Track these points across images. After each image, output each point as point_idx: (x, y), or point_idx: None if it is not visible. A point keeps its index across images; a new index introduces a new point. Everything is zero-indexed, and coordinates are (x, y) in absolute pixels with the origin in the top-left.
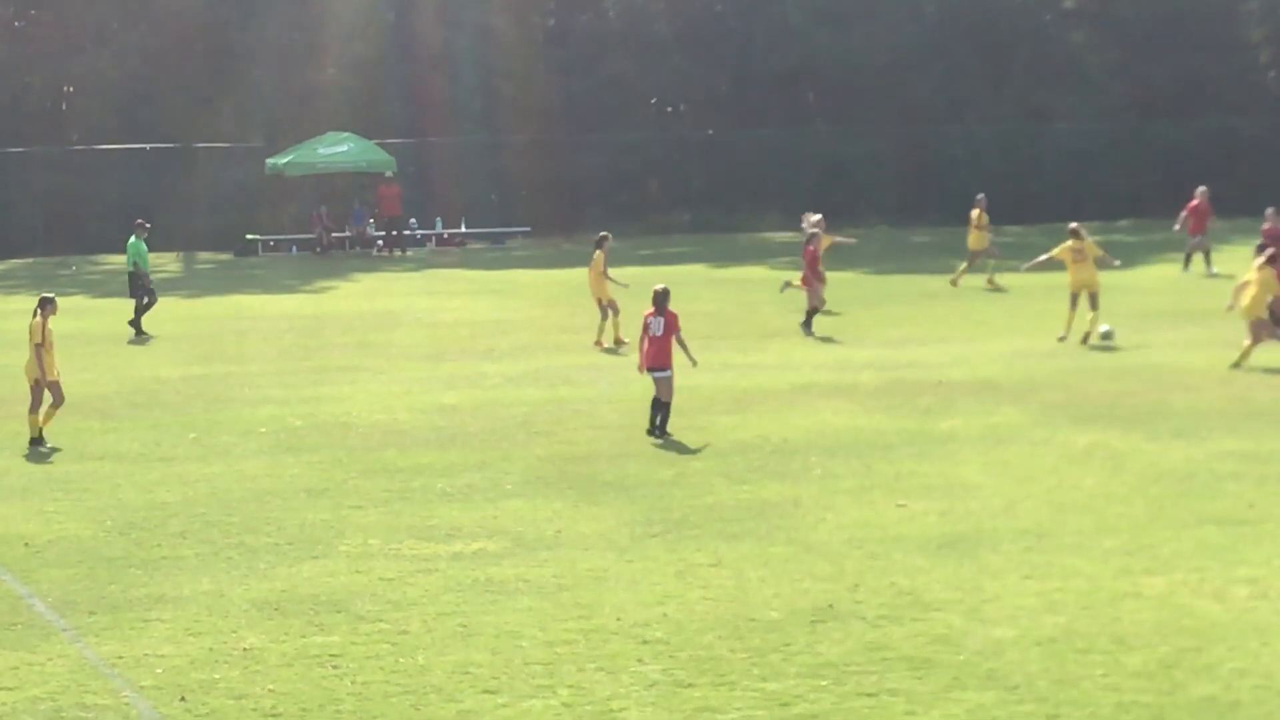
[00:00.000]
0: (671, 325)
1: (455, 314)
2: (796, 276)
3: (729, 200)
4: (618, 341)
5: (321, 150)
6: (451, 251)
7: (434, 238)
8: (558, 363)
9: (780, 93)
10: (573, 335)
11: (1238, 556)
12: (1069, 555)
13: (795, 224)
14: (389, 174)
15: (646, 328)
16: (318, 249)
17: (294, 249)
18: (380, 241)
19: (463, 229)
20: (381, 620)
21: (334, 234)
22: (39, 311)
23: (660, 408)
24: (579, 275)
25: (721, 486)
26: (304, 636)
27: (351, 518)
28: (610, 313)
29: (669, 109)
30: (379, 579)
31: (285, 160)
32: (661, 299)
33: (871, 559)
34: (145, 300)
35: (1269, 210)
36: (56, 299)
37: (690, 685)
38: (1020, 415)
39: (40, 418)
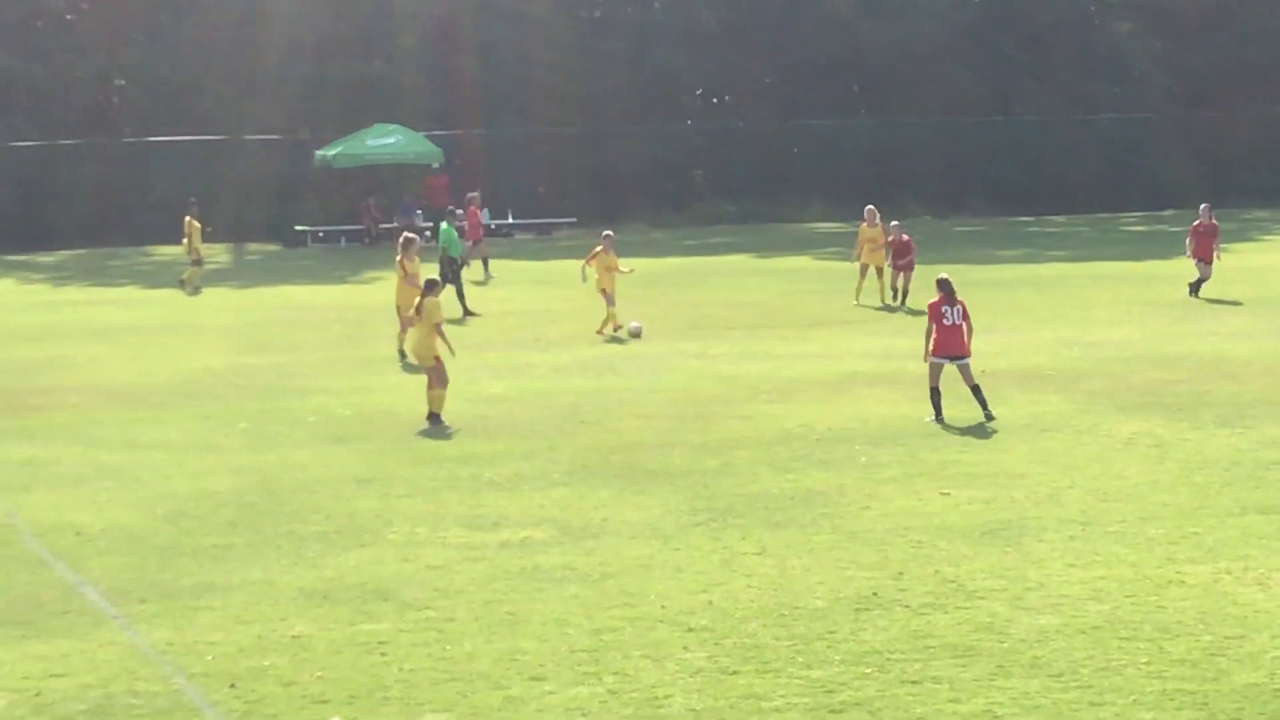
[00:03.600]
0: (966, 313)
1: (502, 304)
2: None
3: (773, 191)
4: (615, 327)
5: (370, 142)
6: (499, 242)
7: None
8: (604, 353)
9: (824, 83)
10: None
11: None
12: (1113, 543)
13: (838, 215)
14: (436, 165)
15: (942, 315)
16: (366, 240)
17: (343, 240)
18: (428, 232)
19: (510, 220)
20: (429, 608)
21: (382, 225)
22: (428, 293)
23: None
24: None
25: (766, 475)
26: (352, 624)
27: (399, 506)
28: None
29: (714, 100)
30: (426, 567)
31: (334, 152)
32: (946, 286)
33: (916, 547)
34: (448, 284)
35: None
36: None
37: (735, 672)
38: (1065, 404)
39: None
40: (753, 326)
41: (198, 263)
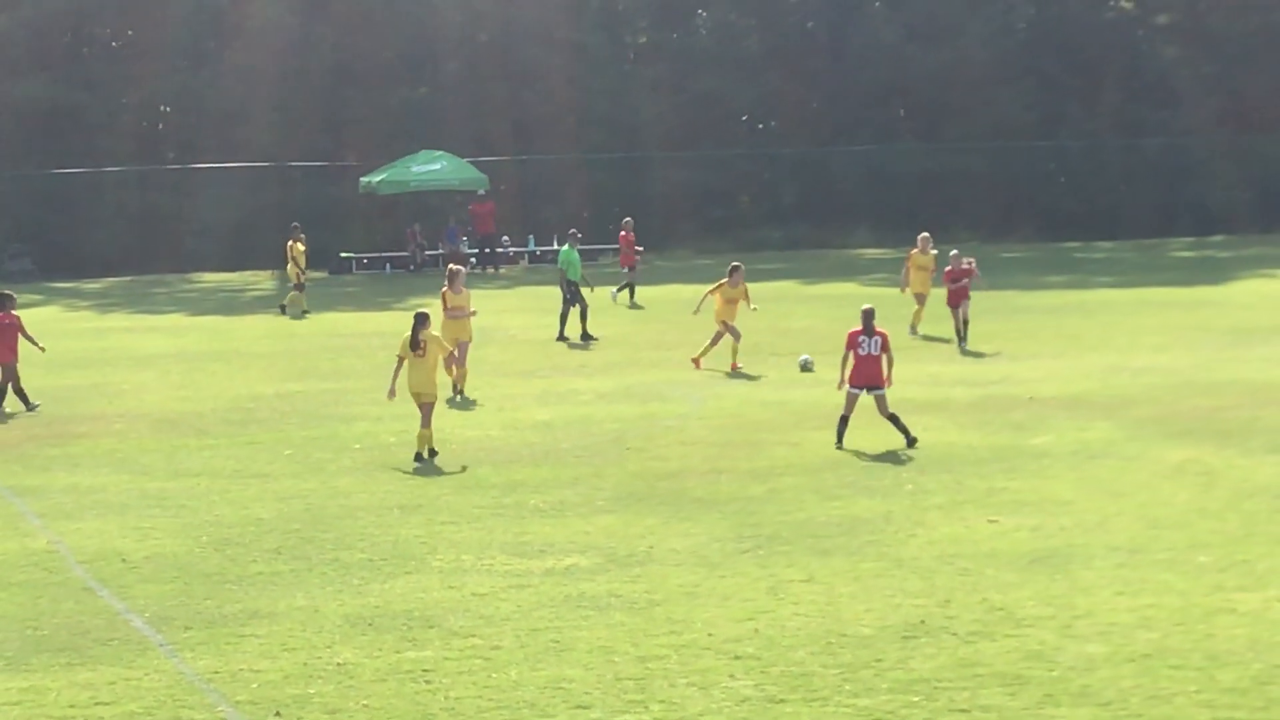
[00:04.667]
0: (886, 344)
1: (548, 331)
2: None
3: (819, 217)
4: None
5: (415, 168)
6: (544, 269)
7: (527, 255)
8: (649, 379)
9: (871, 109)
10: (664, 351)
11: None
12: (1162, 571)
13: (887, 240)
14: (482, 192)
15: (858, 345)
16: (411, 267)
17: (388, 267)
18: (474, 259)
19: (555, 246)
20: (474, 635)
21: (428, 252)
22: (422, 327)
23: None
24: (671, 292)
25: (813, 502)
26: (397, 652)
27: (444, 533)
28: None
29: (760, 125)
30: (471, 594)
31: (379, 178)
32: (871, 318)
33: (963, 575)
34: (576, 307)
35: None
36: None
37: (782, 701)
38: (1112, 431)
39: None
40: (800, 353)
41: (300, 287)
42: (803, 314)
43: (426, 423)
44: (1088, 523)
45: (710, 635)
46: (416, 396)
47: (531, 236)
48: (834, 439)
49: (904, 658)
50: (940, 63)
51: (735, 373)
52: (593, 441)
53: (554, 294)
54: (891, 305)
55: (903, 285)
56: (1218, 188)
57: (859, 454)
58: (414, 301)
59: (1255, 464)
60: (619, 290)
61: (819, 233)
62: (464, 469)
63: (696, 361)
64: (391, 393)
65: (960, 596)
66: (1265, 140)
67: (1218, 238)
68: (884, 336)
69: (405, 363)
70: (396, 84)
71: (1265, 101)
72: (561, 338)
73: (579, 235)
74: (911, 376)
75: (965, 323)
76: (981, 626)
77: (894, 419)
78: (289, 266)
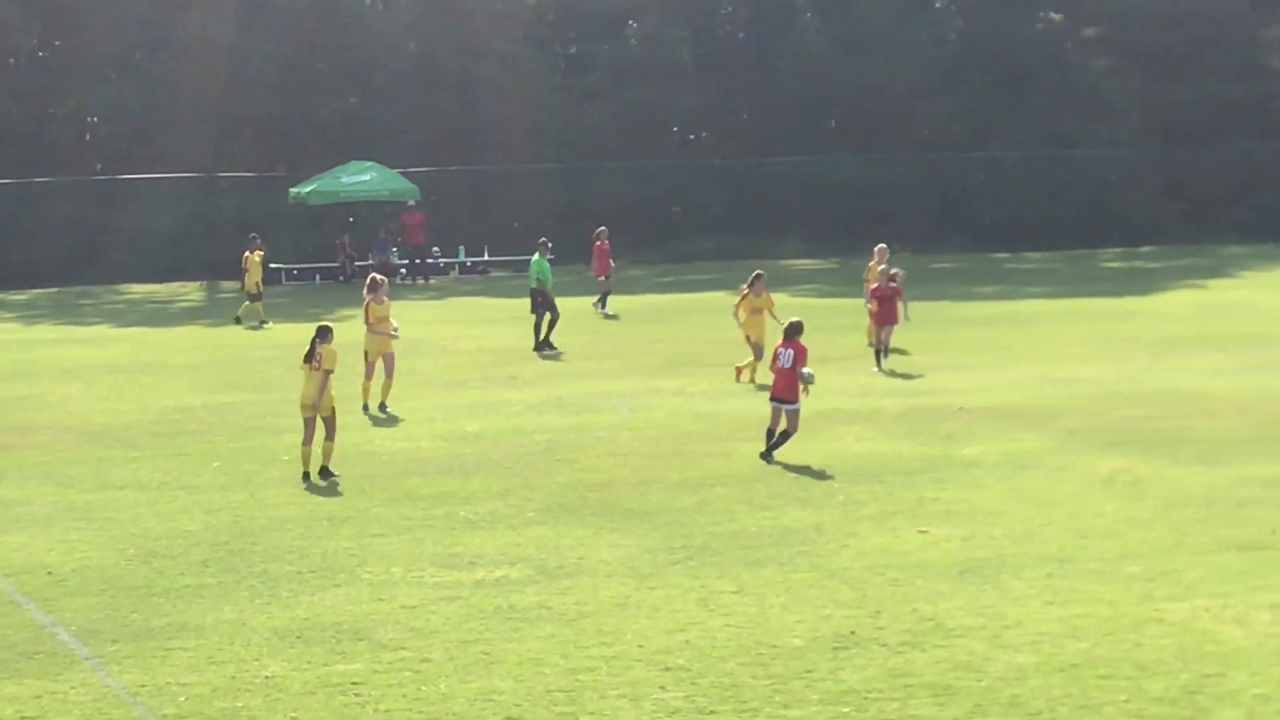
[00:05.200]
0: (800, 357)
1: (478, 342)
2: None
3: (751, 227)
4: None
5: (345, 179)
6: (474, 280)
7: (457, 266)
8: (580, 390)
9: (802, 120)
10: (596, 362)
11: (1260, 582)
12: (1091, 581)
13: (816, 251)
14: (412, 202)
15: (776, 358)
16: (341, 278)
17: (318, 278)
18: (404, 270)
19: (485, 257)
20: (403, 648)
21: (357, 263)
22: (321, 340)
23: (781, 436)
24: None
25: (744, 513)
26: (326, 665)
27: (374, 545)
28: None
29: (691, 136)
30: (401, 607)
31: (308, 189)
32: (794, 330)
33: (894, 585)
34: (549, 316)
35: None
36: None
37: (712, 713)
38: (1042, 441)
39: (324, 452)
40: (731, 364)
41: (256, 297)
42: (734, 325)
43: (308, 439)
44: (1017, 533)
45: (640, 647)
46: (303, 410)
47: (462, 247)
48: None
49: (834, 668)
50: (871, 74)
51: (738, 381)
52: (523, 453)
53: (482, 304)
54: (826, 315)
55: (867, 298)
56: (1147, 199)
57: (790, 465)
58: (344, 313)
59: (1184, 474)
60: (601, 303)
61: (750, 243)
62: (394, 481)
63: (739, 372)
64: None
65: (891, 607)
66: (1193, 152)
67: (1147, 249)
68: (798, 350)
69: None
70: (326, 95)
71: (1193, 113)
72: (539, 347)
73: (549, 244)
74: (842, 387)
75: (886, 346)
76: (911, 637)
77: (783, 436)
78: (245, 277)
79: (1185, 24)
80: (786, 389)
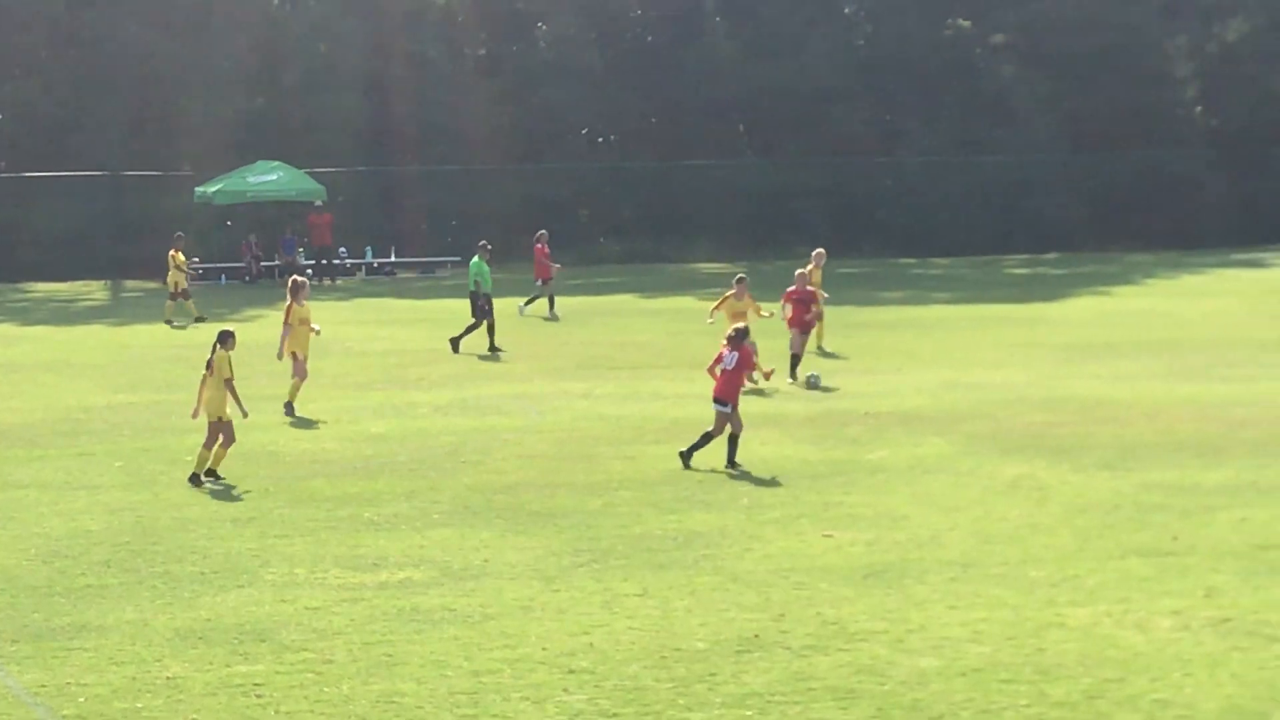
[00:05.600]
0: (746, 361)
1: (385, 343)
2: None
3: (659, 231)
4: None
5: (251, 179)
6: (382, 281)
7: (364, 267)
8: (487, 392)
9: (711, 124)
10: (503, 365)
11: (1162, 588)
12: (994, 586)
13: (724, 255)
14: (319, 203)
15: (719, 360)
16: (247, 278)
17: (224, 278)
18: (311, 271)
19: (393, 258)
20: (306, 649)
21: (264, 263)
22: (220, 345)
23: (730, 441)
24: (511, 305)
25: (649, 516)
26: (228, 666)
27: (277, 547)
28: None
29: (600, 139)
30: (304, 608)
31: (215, 189)
32: (739, 335)
33: (798, 589)
34: (485, 321)
35: None
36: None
37: (615, 715)
38: (947, 446)
39: (212, 456)
40: (638, 367)
41: (183, 295)
42: (642, 327)
43: (208, 443)
44: (922, 537)
45: (544, 649)
46: (207, 415)
47: (369, 248)
48: (675, 452)
49: (737, 672)
50: (779, 79)
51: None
52: (429, 455)
53: (389, 305)
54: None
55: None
56: (1053, 205)
57: (696, 468)
58: (250, 313)
59: (1087, 480)
60: (528, 303)
61: (658, 247)
62: (299, 482)
63: (768, 374)
64: (195, 412)
65: (794, 610)
66: (1100, 158)
67: (1053, 255)
68: (743, 354)
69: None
70: (234, 94)
71: (1099, 120)
72: (494, 349)
73: (489, 247)
74: (748, 390)
75: (797, 357)
76: (815, 640)
77: (706, 438)
78: (170, 275)
79: (1093, 32)
80: (727, 390)
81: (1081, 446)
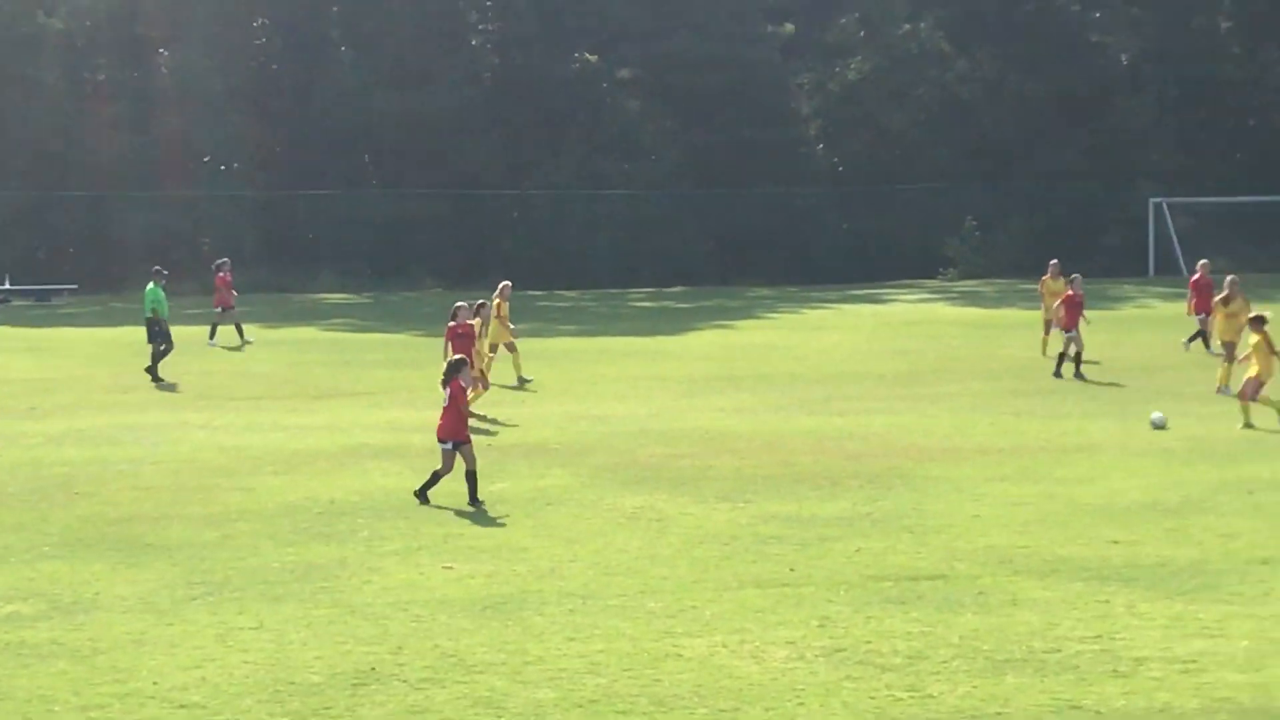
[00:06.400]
0: (458, 396)
1: None
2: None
3: (283, 261)
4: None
5: None
6: None
7: None
8: (102, 422)
9: (337, 153)
10: (118, 395)
11: (778, 618)
12: (613, 617)
13: (349, 286)
14: None
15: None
16: None
17: None
18: None
19: (6, 285)
20: None
21: None
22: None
23: (467, 478)
24: (129, 334)
25: (267, 548)
26: None
27: None
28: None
29: (223, 167)
30: None
31: None
32: (452, 370)
33: (416, 621)
34: (162, 347)
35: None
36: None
37: None
38: (570, 478)
39: None
40: (259, 397)
41: None
42: (264, 358)
43: None
44: (542, 569)
45: (155, 684)
46: None
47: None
48: (294, 484)
49: (353, 705)
50: (406, 109)
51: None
52: (40, 485)
53: (3, 335)
54: (356, 349)
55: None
56: (678, 240)
57: (315, 500)
58: None
59: (707, 511)
60: (213, 335)
61: (281, 277)
62: None
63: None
64: None
65: (412, 643)
66: (725, 194)
67: (678, 289)
68: (454, 388)
69: None
70: None
71: (725, 156)
72: (155, 377)
73: (165, 273)
74: (371, 421)
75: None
76: (433, 673)
77: (436, 476)
78: None
79: (718, 69)
80: (446, 428)
81: (702, 478)
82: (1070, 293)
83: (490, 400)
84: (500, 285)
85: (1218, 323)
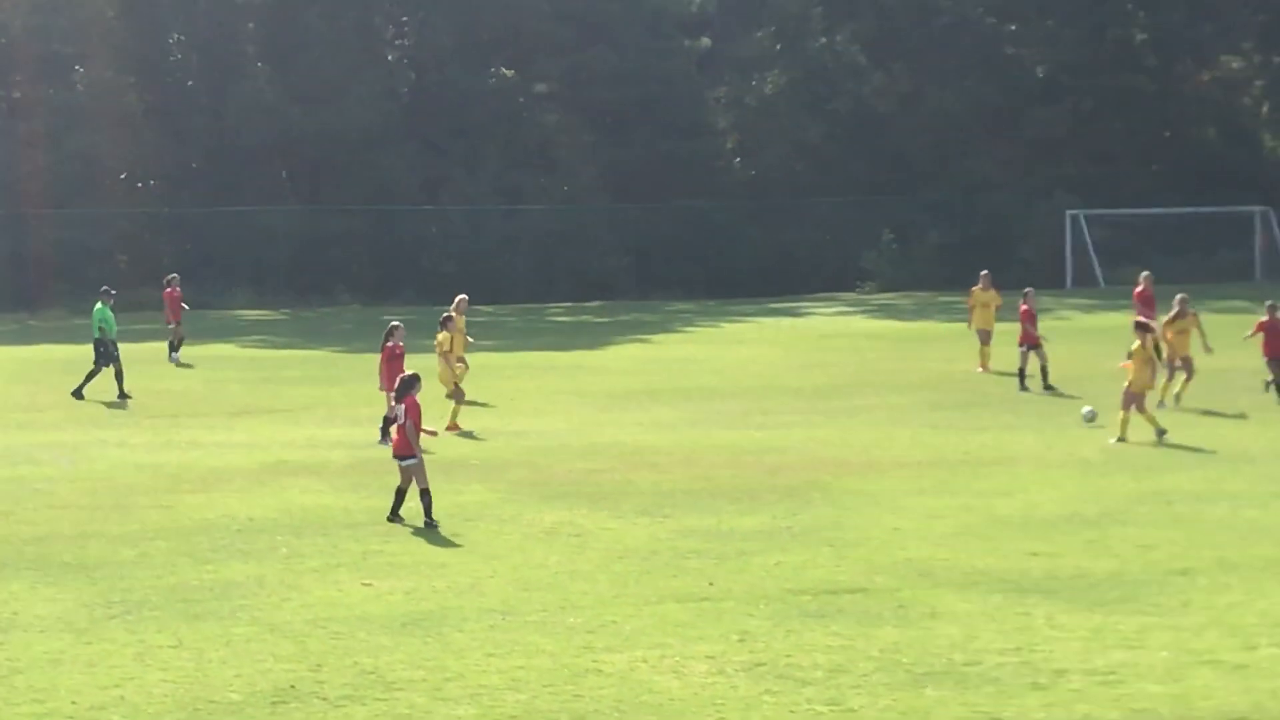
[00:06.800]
0: (411, 413)
1: None
2: None
3: (199, 277)
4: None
5: None
6: None
7: None
8: (17, 441)
9: (253, 169)
10: (34, 413)
11: (697, 632)
12: (532, 633)
13: (265, 302)
14: None
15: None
16: None
17: None
18: None
19: None
20: None
21: None
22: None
23: (421, 496)
24: (43, 352)
25: (185, 566)
26: None
27: None
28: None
29: (139, 184)
30: None
31: None
32: (405, 386)
33: (335, 638)
34: (112, 367)
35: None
36: None
37: None
38: (489, 493)
39: None
40: (176, 415)
41: None
42: (180, 375)
43: None
44: (461, 585)
45: (74, 703)
46: None
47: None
48: (212, 501)
49: None
50: (323, 125)
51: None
52: None
53: None
54: (274, 367)
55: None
56: (596, 254)
57: (233, 517)
58: None
59: (626, 526)
60: (175, 350)
61: (197, 294)
62: None
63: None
64: None
65: (332, 660)
66: (642, 208)
67: (595, 303)
68: (409, 405)
69: None
70: None
71: (642, 170)
72: (79, 395)
73: (113, 292)
74: (289, 439)
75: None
76: (352, 690)
77: (399, 494)
78: None
79: (634, 83)
80: (403, 445)
81: (621, 493)
82: (1024, 307)
83: (380, 419)
84: (456, 299)
85: (1167, 340)
